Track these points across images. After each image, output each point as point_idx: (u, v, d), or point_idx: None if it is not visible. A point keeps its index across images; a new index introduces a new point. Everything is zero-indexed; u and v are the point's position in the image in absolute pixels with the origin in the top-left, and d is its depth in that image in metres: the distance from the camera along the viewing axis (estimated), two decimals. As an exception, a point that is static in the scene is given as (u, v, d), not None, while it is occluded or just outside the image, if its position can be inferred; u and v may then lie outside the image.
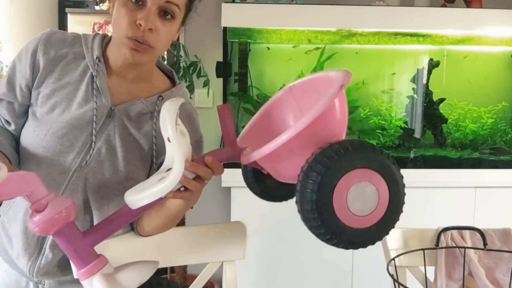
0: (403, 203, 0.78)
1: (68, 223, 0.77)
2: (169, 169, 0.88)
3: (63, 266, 1.10)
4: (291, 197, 0.99)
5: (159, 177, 0.88)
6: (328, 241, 0.76)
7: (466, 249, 1.30)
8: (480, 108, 2.55)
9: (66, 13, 2.83)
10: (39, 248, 1.07)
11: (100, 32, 2.79)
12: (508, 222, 1.46)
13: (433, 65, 2.51)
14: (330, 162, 0.72)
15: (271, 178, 0.94)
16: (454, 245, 1.33)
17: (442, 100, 2.51)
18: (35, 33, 1.10)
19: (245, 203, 2.23)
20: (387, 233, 0.77)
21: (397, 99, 2.59)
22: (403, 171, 0.79)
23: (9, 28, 2.55)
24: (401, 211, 0.78)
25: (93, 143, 1.03)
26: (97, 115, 1.04)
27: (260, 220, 2.24)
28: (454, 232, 1.35)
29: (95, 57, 1.07)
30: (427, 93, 2.52)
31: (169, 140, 0.84)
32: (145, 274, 0.83)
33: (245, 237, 1.27)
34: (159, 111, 1.08)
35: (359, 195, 0.73)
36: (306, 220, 0.75)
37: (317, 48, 2.50)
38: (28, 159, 1.06)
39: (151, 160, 1.10)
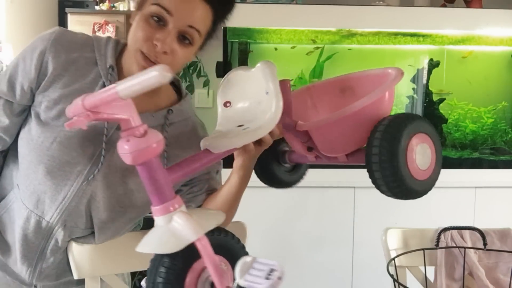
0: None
1: (156, 156, 0.76)
2: (240, 126, 0.92)
3: (61, 269, 1.10)
4: (295, 184, 1.16)
5: (238, 128, 0.92)
6: (394, 188, 0.89)
7: (466, 249, 1.30)
8: (480, 108, 2.55)
9: (66, 13, 2.81)
10: (39, 254, 1.05)
11: (100, 32, 2.80)
12: (508, 222, 1.46)
13: (433, 65, 2.51)
14: (406, 124, 0.91)
15: (278, 166, 1.12)
16: (454, 245, 1.33)
17: (442, 100, 2.50)
18: (35, 33, 1.05)
19: (245, 203, 2.22)
20: (434, 185, 0.94)
21: (397, 99, 2.59)
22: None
23: (9, 28, 2.55)
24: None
25: (102, 157, 1.00)
26: (107, 127, 1.00)
27: (260, 220, 2.24)
28: (454, 232, 1.35)
29: (108, 66, 1.02)
30: (427, 93, 2.52)
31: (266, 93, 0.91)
32: (219, 220, 0.82)
33: (245, 237, 1.27)
34: (169, 124, 1.07)
35: (421, 153, 0.92)
36: (382, 168, 0.88)
37: (317, 48, 2.50)
38: (33, 168, 1.01)
39: None
